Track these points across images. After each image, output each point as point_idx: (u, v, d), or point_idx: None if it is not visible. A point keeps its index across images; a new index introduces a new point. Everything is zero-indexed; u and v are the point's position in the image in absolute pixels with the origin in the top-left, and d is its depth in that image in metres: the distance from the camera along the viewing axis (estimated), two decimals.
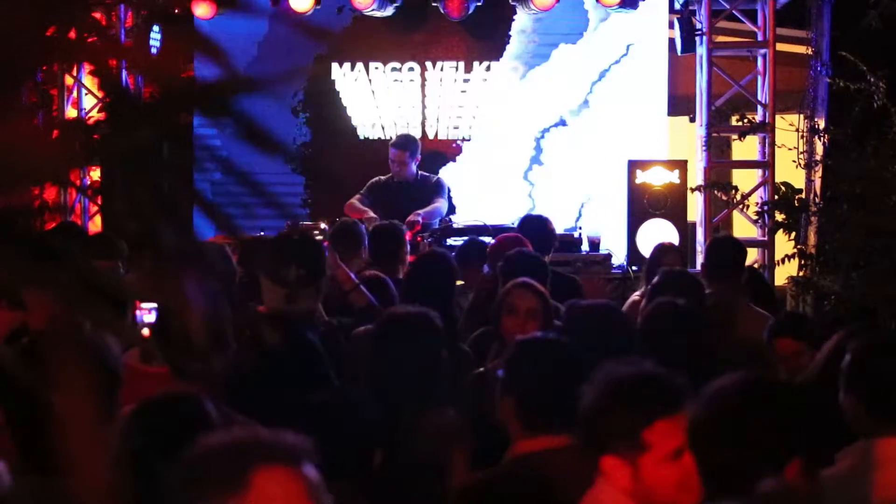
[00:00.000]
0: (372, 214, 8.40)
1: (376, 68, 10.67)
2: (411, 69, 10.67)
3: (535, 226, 6.98)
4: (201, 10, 9.40)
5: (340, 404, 3.49)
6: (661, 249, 6.79)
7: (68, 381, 1.36)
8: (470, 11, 9.90)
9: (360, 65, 10.65)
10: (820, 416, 2.49)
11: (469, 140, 10.65)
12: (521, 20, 10.49)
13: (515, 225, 8.61)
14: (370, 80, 10.67)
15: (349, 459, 3.29)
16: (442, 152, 10.60)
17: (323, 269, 4.62)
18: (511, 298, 4.63)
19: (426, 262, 5.49)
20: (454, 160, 10.63)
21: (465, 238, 7.58)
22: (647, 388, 2.63)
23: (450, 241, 8.22)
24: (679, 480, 2.58)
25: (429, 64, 10.65)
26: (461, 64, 10.62)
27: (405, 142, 9.03)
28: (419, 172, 8.96)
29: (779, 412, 2.47)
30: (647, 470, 2.57)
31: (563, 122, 10.60)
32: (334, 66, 10.64)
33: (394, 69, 10.68)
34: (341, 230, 6.49)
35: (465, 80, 10.63)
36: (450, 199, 9.48)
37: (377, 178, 8.97)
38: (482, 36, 10.59)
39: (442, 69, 10.64)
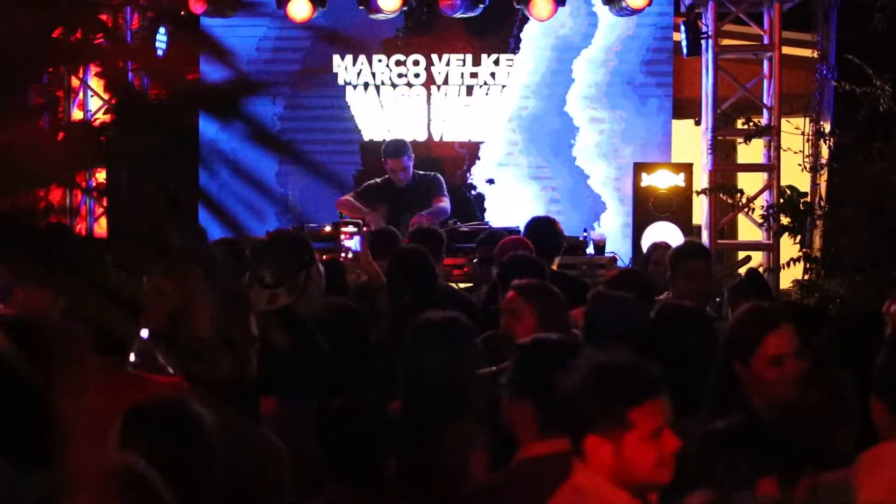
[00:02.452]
0: (370, 213, 8.42)
1: (379, 61, 10.63)
2: (416, 62, 10.63)
3: (541, 228, 6.95)
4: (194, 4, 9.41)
5: (355, 410, 3.48)
6: (654, 246, 6.88)
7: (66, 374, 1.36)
8: (458, 10, 9.81)
9: (362, 57, 10.61)
10: (788, 440, 2.73)
11: (474, 143, 10.63)
12: (524, 22, 10.46)
13: (517, 226, 8.65)
14: (373, 75, 10.61)
15: (364, 465, 3.29)
16: (446, 155, 10.59)
17: (300, 264, 4.69)
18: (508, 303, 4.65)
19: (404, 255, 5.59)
20: (458, 163, 10.61)
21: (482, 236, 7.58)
22: (634, 370, 2.80)
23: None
24: (658, 458, 2.72)
25: (434, 57, 10.59)
26: (466, 67, 10.60)
27: (400, 147, 8.93)
28: (415, 172, 8.93)
29: (741, 445, 2.75)
30: (629, 448, 2.71)
31: (568, 125, 10.58)
32: (335, 58, 10.61)
33: (398, 62, 10.63)
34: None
35: (470, 85, 10.60)
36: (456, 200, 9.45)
37: (373, 182, 8.91)
38: (487, 37, 10.56)
39: (447, 75, 10.59)
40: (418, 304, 4.87)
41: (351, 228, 7.35)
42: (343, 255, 6.67)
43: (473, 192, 10.57)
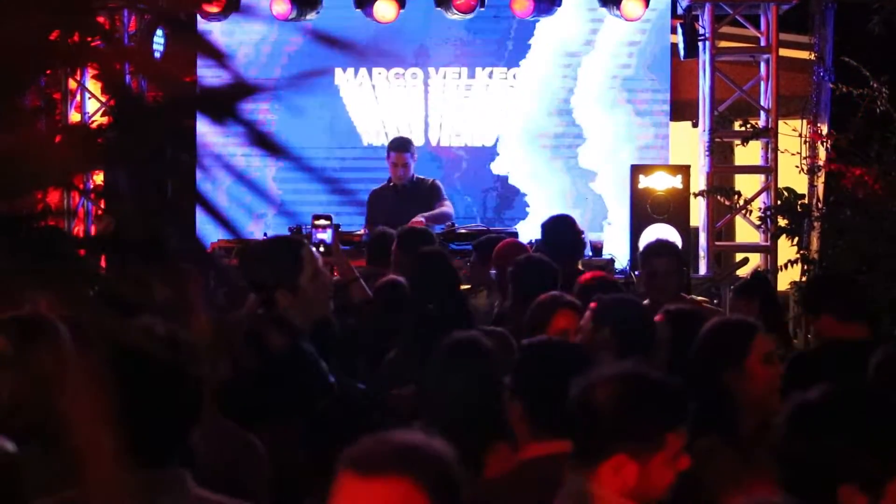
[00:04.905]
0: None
1: (379, 73, 10.68)
2: (414, 75, 10.67)
3: (562, 227, 6.80)
4: (211, 8, 9.41)
5: (342, 409, 3.48)
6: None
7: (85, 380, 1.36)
8: (477, 8, 9.85)
9: (363, 70, 10.64)
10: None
11: (471, 147, 10.65)
12: (523, 25, 10.48)
13: (514, 228, 8.67)
14: (373, 86, 10.66)
15: None
16: (444, 158, 10.61)
17: (290, 272, 4.63)
18: (557, 322, 4.58)
19: (428, 262, 5.46)
20: (457, 166, 10.62)
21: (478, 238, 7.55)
22: (674, 391, 2.69)
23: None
24: (672, 481, 2.65)
25: (431, 69, 10.64)
26: (464, 70, 10.62)
27: (404, 143, 8.98)
28: (414, 175, 8.93)
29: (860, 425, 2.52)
30: (654, 469, 2.62)
31: (565, 127, 10.59)
32: (337, 71, 10.64)
33: (397, 75, 10.67)
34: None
35: (468, 87, 10.63)
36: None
37: (373, 190, 8.93)
38: (484, 41, 10.59)
39: (444, 75, 10.63)
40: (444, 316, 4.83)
41: (323, 222, 7.40)
42: (315, 248, 6.67)
43: (469, 194, 10.57)
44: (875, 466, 2.42)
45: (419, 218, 8.28)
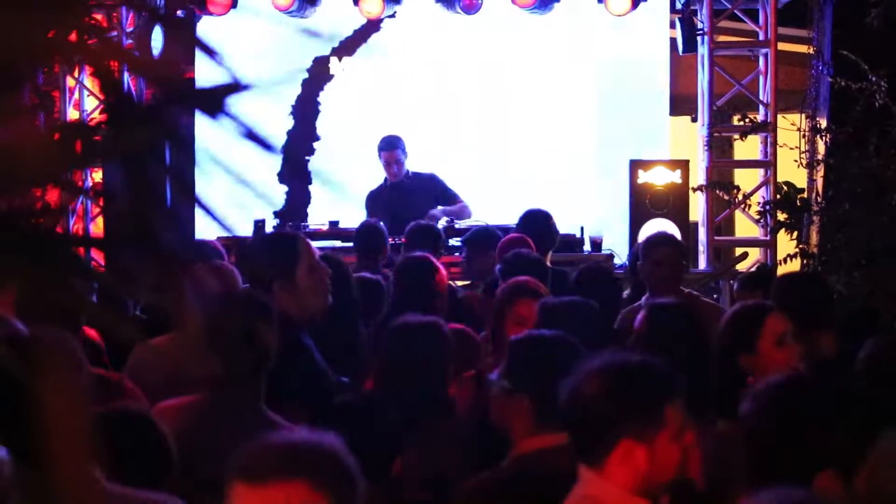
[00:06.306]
0: None
1: (374, 66, 10.62)
2: (410, 68, 10.63)
3: (536, 222, 6.91)
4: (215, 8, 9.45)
5: (364, 407, 3.48)
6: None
7: (53, 378, 1.36)
8: (476, 10, 9.88)
9: (356, 61, 10.61)
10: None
11: (468, 140, 10.64)
12: (524, 18, 10.48)
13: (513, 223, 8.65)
14: (368, 79, 10.62)
15: (372, 462, 3.27)
16: (443, 151, 10.60)
17: (284, 266, 4.65)
18: (519, 309, 4.63)
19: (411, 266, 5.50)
20: (454, 159, 10.61)
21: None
22: (660, 367, 2.71)
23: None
24: (680, 459, 2.64)
25: (427, 62, 10.61)
26: (460, 63, 10.61)
27: (393, 140, 8.93)
28: (409, 171, 8.90)
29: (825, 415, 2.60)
30: (661, 448, 2.62)
31: (565, 121, 10.59)
32: (333, 60, 10.63)
33: (391, 67, 10.63)
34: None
35: (465, 81, 10.61)
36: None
37: (370, 192, 8.91)
38: (482, 35, 10.58)
39: (441, 68, 10.61)
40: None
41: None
42: None
43: (469, 188, 10.55)
44: (848, 454, 2.50)
45: (435, 212, 8.27)
